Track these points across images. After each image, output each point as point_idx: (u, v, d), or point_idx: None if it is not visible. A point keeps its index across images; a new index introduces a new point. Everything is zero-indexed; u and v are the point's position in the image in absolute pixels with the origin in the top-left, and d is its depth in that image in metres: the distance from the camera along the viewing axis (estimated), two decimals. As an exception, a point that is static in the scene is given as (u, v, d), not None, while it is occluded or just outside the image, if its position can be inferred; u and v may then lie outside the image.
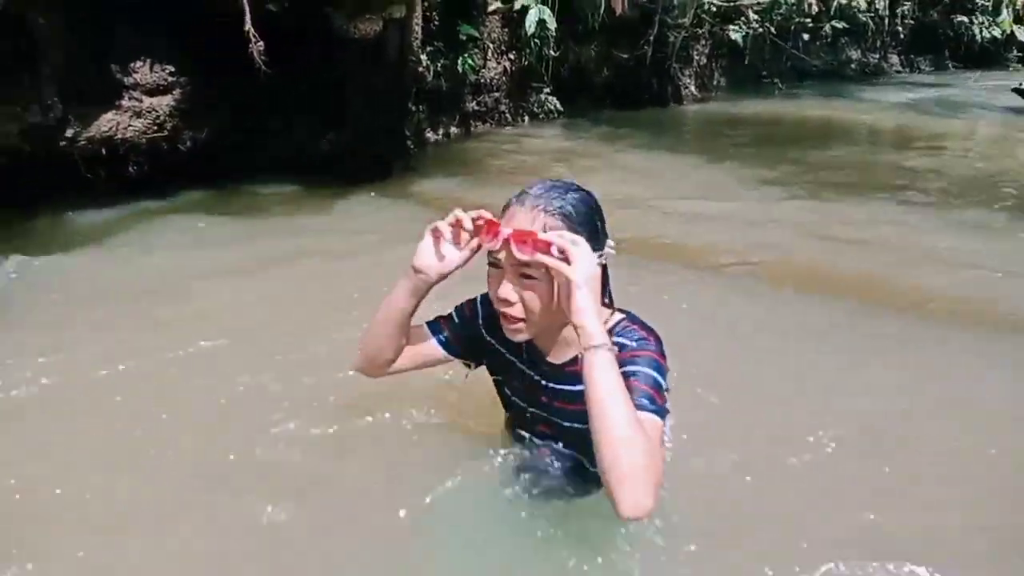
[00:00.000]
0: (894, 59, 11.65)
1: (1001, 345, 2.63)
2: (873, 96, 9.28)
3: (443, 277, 1.44)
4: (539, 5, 6.58)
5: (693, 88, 8.92)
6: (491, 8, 6.62)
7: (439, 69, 6.22)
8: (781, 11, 8.92)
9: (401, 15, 4.54)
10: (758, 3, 8.47)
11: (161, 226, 3.90)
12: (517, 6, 6.61)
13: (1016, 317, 2.85)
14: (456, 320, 1.60)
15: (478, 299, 1.58)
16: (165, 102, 4.19)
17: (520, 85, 7.25)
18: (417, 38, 5.02)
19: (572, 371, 1.40)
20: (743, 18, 8.54)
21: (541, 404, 1.50)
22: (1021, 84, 8.05)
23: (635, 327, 1.39)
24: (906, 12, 11.20)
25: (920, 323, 2.79)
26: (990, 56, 12.01)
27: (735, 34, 8.50)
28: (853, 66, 10.97)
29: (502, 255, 1.31)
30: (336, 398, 2.01)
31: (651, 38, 7.81)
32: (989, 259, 3.47)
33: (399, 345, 1.56)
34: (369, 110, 4.77)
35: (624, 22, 7.72)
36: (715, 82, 9.52)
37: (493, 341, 1.56)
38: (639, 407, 1.23)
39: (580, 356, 1.24)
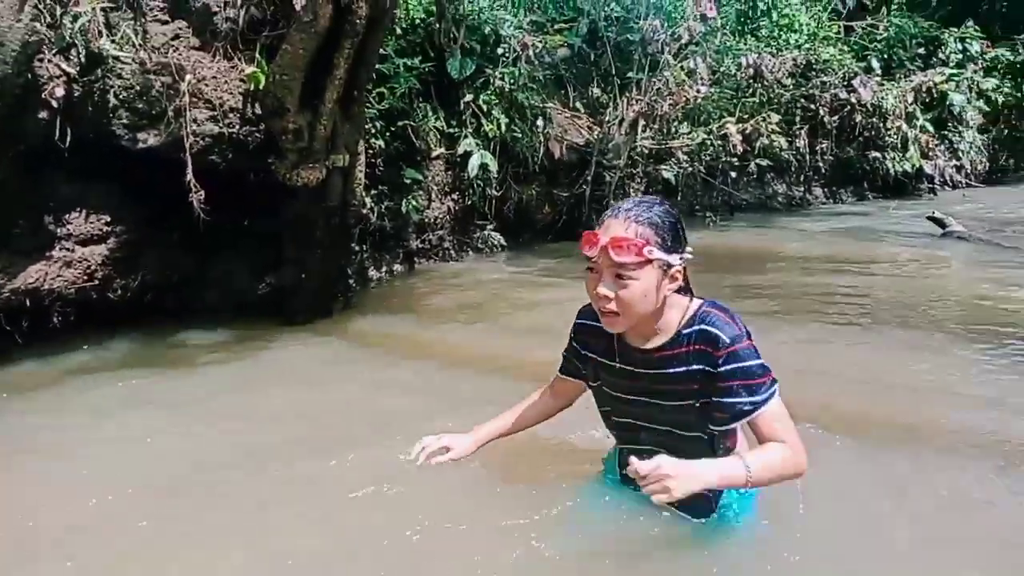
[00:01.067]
0: (818, 191, 12.49)
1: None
2: (801, 226, 9.84)
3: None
4: (481, 151, 6.93)
5: (632, 222, 9.34)
6: (435, 154, 6.93)
7: (383, 211, 6.39)
8: (709, 151, 9.58)
9: (344, 164, 4.69)
10: (687, 144, 9.09)
11: (83, 383, 3.72)
12: (460, 151, 6.94)
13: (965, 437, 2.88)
14: (569, 349, 2.02)
15: (572, 329, 1.98)
16: (98, 251, 4.14)
17: (464, 223, 7.47)
18: (360, 184, 5.17)
19: (664, 355, 1.71)
20: (674, 158, 9.13)
21: (642, 391, 1.77)
22: (934, 212, 8.64)
23: (716, 312, 1.69)
24: (825, 149, 12.16)
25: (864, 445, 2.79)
26: (904, 187, 12.99)
27: (667, 173, 9.04)
28: (780, 199, 11.71)
29: (600, 259, 1.62)
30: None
31: (589, 178, 8.24)
32: (927, 378, 3.56)
33: (548, 412, 2.15)
34: (310, 253, 4.79)
35: (563, 164, 8.16)
36: (653, 216, 10.01)
37: (587, 351, 1.91)
38: (762, 402, 1.63)
39: (675, 338, 1.70)
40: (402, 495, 2.23)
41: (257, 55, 4.52)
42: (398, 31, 6.71)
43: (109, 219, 4.18)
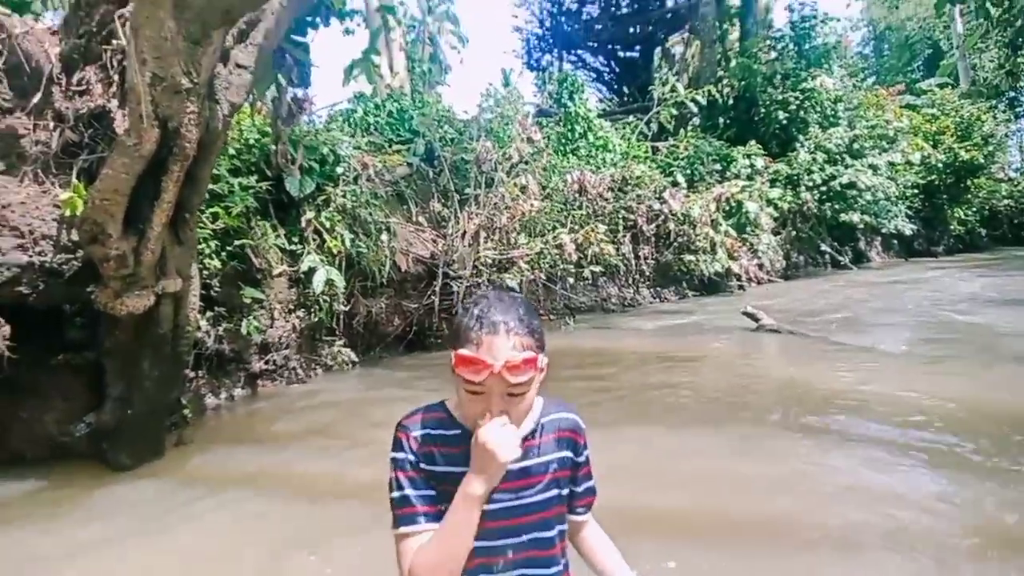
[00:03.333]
0: (645, 292, 13.55)
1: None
2: (633, 325, 10.55)
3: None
4: (326, 267, 6.84)
5: (480, 329, 9.53)
6: (276, 272, 6.74)
7: (221, 332, 6.03)
8: (547, 259, 10.15)
9: (176, 288, 4.41)
10: (527, 254, 9.59)
11: None
12: (304, 268, 6.80)
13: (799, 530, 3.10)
14: (413, 484, 1.59)
15: (407, 430, 1.62)
16: None
17: (311, 340, 7.22)
18: (194, 308, 4.86)
19: (530, 445, 1.63)
20: (516, 267, 9.55)
21: (507, 491, 1.58)
22: (747, 307, 9.61)
23: (554, 398, 1.73)
24: (647, 254, 13.35)
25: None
26: (717, 285, 14.47)
27: (511, 280, 9.42)
28: (613, 300, 12.55)
29: (489, 382, 1.48)
30: None
31: (437, 288, 8.38)
32: (761, 472, 3.83)
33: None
34: (136, 386, 4.37)
35: (410, 276, 8.26)
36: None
37: (440, 468, 1.60)
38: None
39: (536, 429, 1.65)
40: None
41: (74, 179, 4.24)
42: (231, 151, 6.63)
43: None
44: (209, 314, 6.00)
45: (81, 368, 4.39)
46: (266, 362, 6.71)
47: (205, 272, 5.88)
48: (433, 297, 8.42)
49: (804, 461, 3.98)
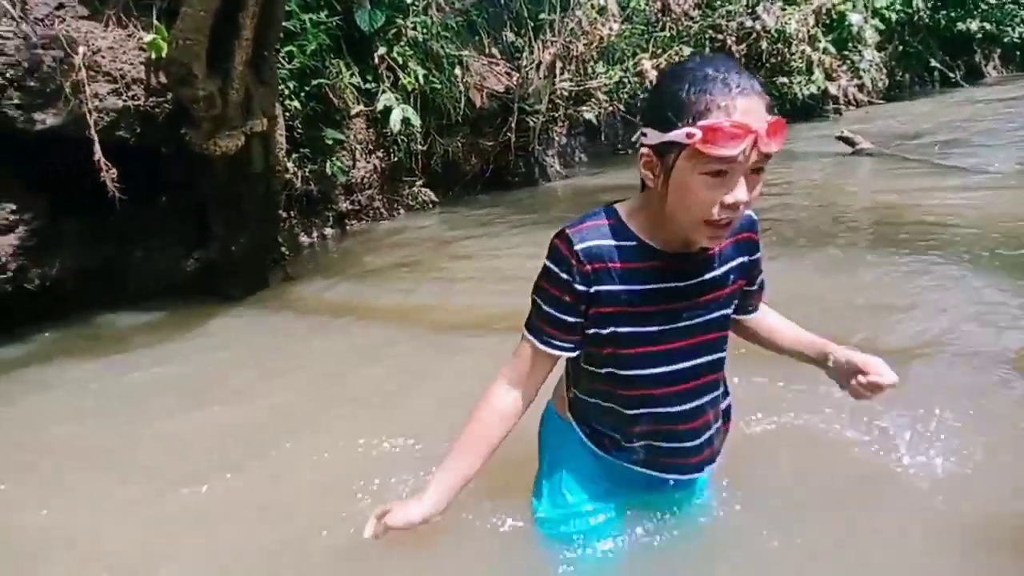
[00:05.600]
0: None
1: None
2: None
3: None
4: (401, 105, 6.78)
5: (558, 166, 9.39)
6: (354, 112, 6.74)
7: (307, 174, 6.21)
8: (626, 89, 9.66)
9: (263, 128, 4.51)
10: (605, 84, 9.14)
11: (8, 381, 3.53)
12: (379, 107, 6.77)
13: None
14: (557, 307, 1.38)
15: (570, 241, 1.34)
16: (7, 242, 3.88)
17: (392, 180, 7.35)
18: (282, 148, 4.99)
19: (709, 256, 1.40)
20: (593, 99, 9.17)
21: (693, 307, 1.39)
22: (843, 132, 9.02)
23: None
24: (734, 79, 12.46)
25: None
26: (812, 110, 13.47)
27: (588, 114, 9.10)
28: (697, 132, 11.99)
29: (747, 159, 1.17)
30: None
31: (512, 125, 8.20)
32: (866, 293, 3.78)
33: (520, 411, 1.51)
34: (237, 225, 4.64)
35: (485, 113, 8.08)
36: (576, 158, 10.08)
37: (608, 288, 1.35)
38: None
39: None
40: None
41: (155, 21, 4.25)
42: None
43: (15, 207, 3.91)
44: (295, 156, 6.15)
45: (185, 209, 4.67)
46: (352, 202, 6.93)
47: (287, 113, 5.95)
48: (509, 134, 8.27)
49: (902, 282, 3.89)
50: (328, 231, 6.68)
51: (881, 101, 14.82)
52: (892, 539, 1.77)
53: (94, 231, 4.32)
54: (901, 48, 16.05)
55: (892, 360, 1.49)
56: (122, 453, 2.67)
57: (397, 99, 6.81)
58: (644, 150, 1.27)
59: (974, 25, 16.25)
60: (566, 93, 8.89)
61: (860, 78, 14.30)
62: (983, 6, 15.92)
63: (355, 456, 2.41)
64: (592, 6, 8.80)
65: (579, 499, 1.60)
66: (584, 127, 9.64)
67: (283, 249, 5.52)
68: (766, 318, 1.66)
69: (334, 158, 6.41)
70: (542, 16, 8.65)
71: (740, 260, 1.45)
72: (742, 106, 1.15)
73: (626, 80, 9.57)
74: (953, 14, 15.84)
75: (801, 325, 1.71)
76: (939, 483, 1.96)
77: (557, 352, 1.45)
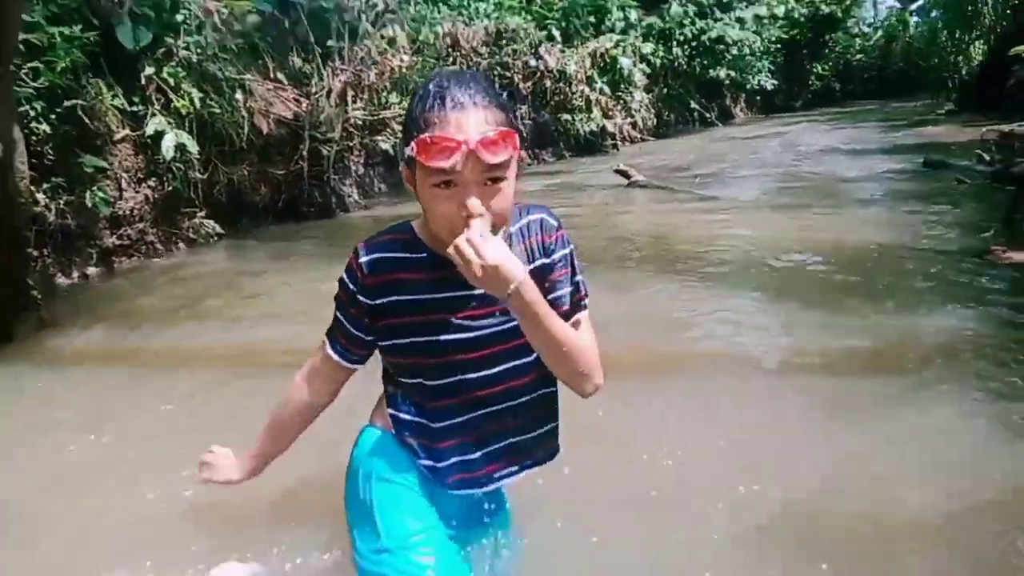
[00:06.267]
0: (523, 153, 13.48)
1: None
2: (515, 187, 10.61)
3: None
4: (175, 130, 6.26)
5: (356, 196, 9.20)
6: (118, 136, 6.09)
7: (63, 206, 5.50)
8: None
9: (3, 153, 3.90)
10: (399, 115, 9.18)
11: None
12: (149, 131, 6.19)
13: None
14: (346, 322, 1.45)
15: (358, 254, 1.39)
16: None
17: (168, 212, 6.72)
18: (24, 177, 4.34)
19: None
20: (389, 129, 9.16)
21: (486, 317, 1.37)
22: (619, 165, 9.88)
23: (534, 202, 1.47)
24: (524, 113, 13.19)
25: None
26: (593, 145, 14.64)
27: (384, 144, 9.06)
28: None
29: (465, 170, 1.19)
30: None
31: (304, 153, 7.92)
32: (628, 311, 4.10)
33: (305, 414, 1.60)
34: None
35: (274, 140, 7.73)
36: (376, 188, 9.97)
37: (388, 299, 1.38)
38: (581, 290, 1.46)
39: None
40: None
41: None
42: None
43: None
44: (46, 185, 5.41)
45: None
46: (119, 237, 6.22)
47: (34, 137, 5.23)
48: (301, 163, 7.97)
49: (672, 298, 4.31)
50: (91, 270, 5.92)
51: (651, 138, 16.52)
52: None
53: None
54: (666, 91, 18.07)
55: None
56: None
57: (170, 123, 6.28)
58: (402, 165, 1.33)
59: (723, 73, 18.84)
60: (360, 122, 8.80)
61: (632, 116, 15.84)
62: (728, 57, 18.51)
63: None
64: (382, 36, 8.84)
65: (409, 525, 1.43)
66: (382, 157, 9.58)
67: (34, 292, 4.78)
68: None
69: (95, 188, 5.73)
70: (330, 43, 8.51)
71: (536, 263, 1.40)
72: (454, 119, 1.20)
73: (420, 111, 9.68)
74: (706, 62, 18.21)
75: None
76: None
77: (345, 363, 1.50)
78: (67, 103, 5.57)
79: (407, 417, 1.47)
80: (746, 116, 24.08)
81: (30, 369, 3.83)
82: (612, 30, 15.73)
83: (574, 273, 1.46)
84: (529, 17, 14.12)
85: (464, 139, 1.18)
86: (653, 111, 17.35)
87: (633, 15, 16.48)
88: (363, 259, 1.37)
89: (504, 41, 12.47)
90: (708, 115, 20.02)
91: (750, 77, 20.95)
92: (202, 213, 6.95)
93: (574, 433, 1.65)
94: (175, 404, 3.18)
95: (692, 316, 3.96)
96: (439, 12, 11.57)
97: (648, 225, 7.01)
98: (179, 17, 6.64)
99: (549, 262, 1.42)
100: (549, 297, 1.37)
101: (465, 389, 1.41)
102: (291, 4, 8.33)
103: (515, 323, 1.34)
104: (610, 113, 14.84)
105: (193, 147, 6.33)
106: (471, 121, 1.21)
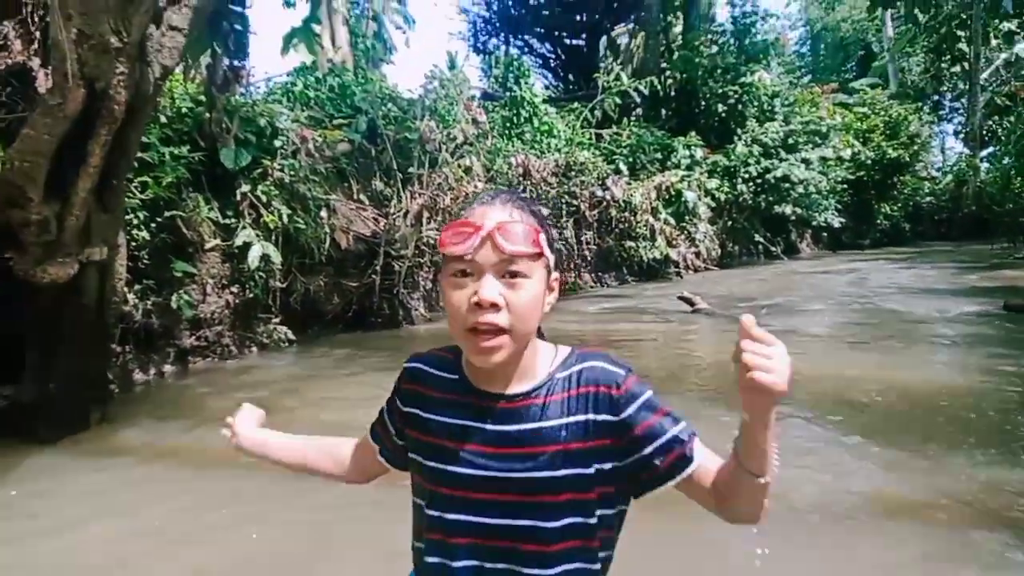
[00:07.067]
0: (587, 277, 13.75)
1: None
2: (575, 308, 10.71)
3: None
4: (262, 242, 6.68)
5: (422, 309, 9.48)
6: (209, 245, 6.54)
7: (150, 307, 5.84)
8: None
9: (102, 257, 4.25)
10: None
11: None
12: (238, 242, 6.63)
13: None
14: (386, 409, 1.41)
15: (408, 360, 1.38)
16: None
17: (246, 317, 7.05)
18: (121, 279, 4.70)
19: (534, 403, 1.22)
20: (458, 248, 9.51)
21: (503, 459, 1.20)
22: (684, 293, 9.89)
23: (595, 351, 1.28)
24: (589, 239, 13.54)
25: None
26: (656, 271, 14.79)
27: (453, 262, 9.39)
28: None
29: (480, 256, 1.14)
30: None
31: (378, 268, 8.29)
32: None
33: (333, 464, 1.53)
34: (60, 357, 4.20)
35: (350, 254, 8.14)
36: (441, 303, 10.24)
37: (415, 409, 1.31)
38: (690, 431, 1.22)
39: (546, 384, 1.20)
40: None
41: (-8, 138, 4.02)
42: (163, 119, 6.38)
43: None
44: (137, 287, 5.80)
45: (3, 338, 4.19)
46: (197, 338, 6.53)
47: (133, 244, 5.68)
48: (374, 276, 8.33)
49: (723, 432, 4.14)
50: (167, 367, 6.19)
51: (715, 267, 16.57)
52: None
53: None
54: (730, 223, 18.30)
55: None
56: None
57: (258, 235, 6.72)
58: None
59: (788, 209, 19.03)
60: (432, 241, 9.19)
61: (696, 246, 16.01)
62: (794, 194, 18.77)
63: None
64: (459, 165, 9.39)
65: None
66: (448, 275, 9.90)
67: (112, 386, 5.02)
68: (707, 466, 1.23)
69: (182, 291, 6.10)
70: (411, 170, 9.10)
71: (582, 418, 1.20)
72: (479, 211, 1.20)
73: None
74: (771, 198, 18.48)
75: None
76: None
77: (376, 446, 1.44)
78: (167, 213, 6.07)
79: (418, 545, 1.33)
80: (812, 251, 23.96)
81: (96, 459, 3.96)
82: (678, 166, 16.28)
83: (672, 415, 1.22)
84: (598, 152, 14.83)
85: (481, 223, 1.16)
86: (717, 242, 17.51)
87: (699, 153, 17.07)
88: (407, 365, 1.38)
89: (573, 173, 13.04)
90: (773, 248, 20.04)
91: (816, 214, 21.05)
92: (277, 319, 7.26)
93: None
94: (221, 506, 3.19)
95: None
96: (513, 146, 12.28)
97: (713, 353, 6.88)
98: (277, 143, 7.28)
99: (616, 420, 1.19)
100: (653, 447, 1.19)
101: (461, 530, 1.23)
102: (378, 135, 9.04)
103: (548, 474, 1.18)
104: (674, 242, 15.05)
105: (277, 258, 6.72)
106: (494, 212, 1.19)
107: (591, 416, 1.20)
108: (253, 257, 6.54)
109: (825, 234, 24.60)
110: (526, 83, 15.41)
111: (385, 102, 9.86)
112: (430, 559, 1.27)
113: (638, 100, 17.86)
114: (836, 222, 22.09)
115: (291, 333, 7.39)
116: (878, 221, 27.60)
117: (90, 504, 3.33)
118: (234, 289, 6.83)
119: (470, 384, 1.26)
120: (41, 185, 3.74)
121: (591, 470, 1.19)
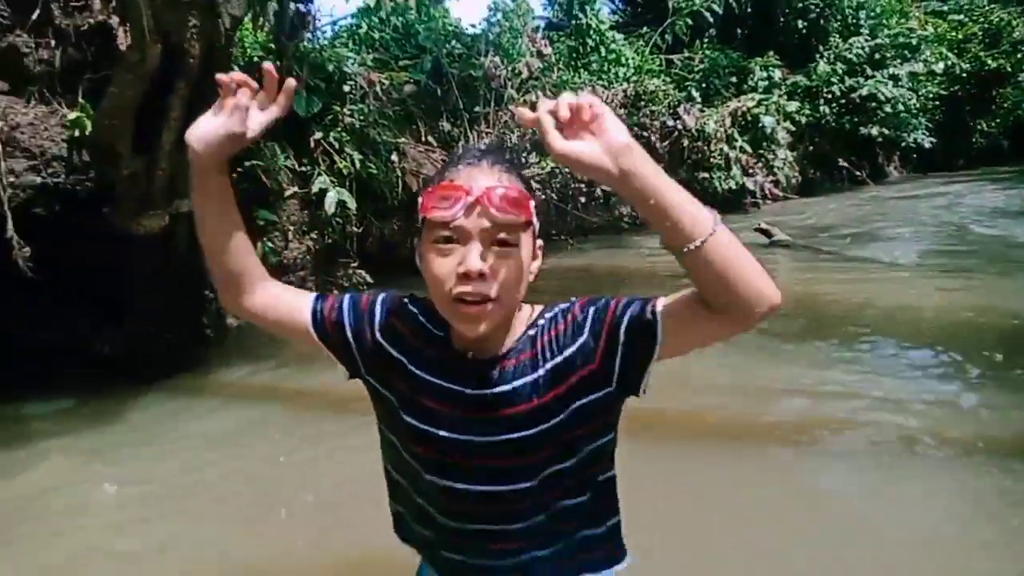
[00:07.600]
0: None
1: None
2: (646, 243, 10.51)
3: (223, 151, 1.12)
4: (337, 188, 6.82)
5: (493, 250, 9.54)
6: (288, 193, 6.72)
7: (236, 255, 6.08)
8: (558, 179, 10.03)
9: (190, 208, 4.42)
10: (538, 174, 9.47)
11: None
12: (315, 189, 6.78)
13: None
14: (345, 306, 1.26)
15: (378, 299, 1.27)
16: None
17: (326, 262, 7.28)
18: (209, 228, 4.90)
19: (504, 367, 1.18)
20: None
21: (480, 423, 1.17)
22: (761, 224, 9.55)
23: (560, 301, 1.22)
24: (661, 172, 13.18)
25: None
26: (731, 203, 14.27)
27: (522, 199, 9.34)
28: (626, 220, 12.46)
29: (468, 222, 1.06)
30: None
31: (447, 209, 8.34)
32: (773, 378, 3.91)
33: (240, 259, 1.22)
34: (158, 303, 4.47)
35: (420, 197, 8.21)
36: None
37: (396, 353, 1.23)
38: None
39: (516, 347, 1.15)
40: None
41: (80, 98, 4.20)
42: (235, 69, 6.48)
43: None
44: (223, 236, 6.04)
45: (99, 281, 4.47)
46: (284, 283, 6.78)
47: (217, 194, 5.88)
48: (445, 218, 8.40)
49: (812, 369, 4.05)
50: (256, 313, 6.49)
51: (795, 196, 15.86)
52: None
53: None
54: (811, 148, 17.38)
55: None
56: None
57: (332, 182, 6.85)
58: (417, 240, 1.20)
59: (875, 130, 17.86)
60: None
61: (775, 175, 15.32)
62: (881, 114, 17.57)
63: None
64: (525, 101, 9.22)
65: None
66: (518, 214, 9.88)
67: (207, 331, 5.32)
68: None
69: (266, 239, 6.33)
70: (477, 109, 9.00)
71: (552, 363, 1.18)
72: (464, 172, 1.11)
73: (558, 170, 9.95)
74: (856, 120, 17.39)
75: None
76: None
77: (306, 309, 1.27)
78: (247, 163, 6.24)
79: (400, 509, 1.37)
80: (901, 175, 22.56)
81: (197, 399, 4.26)
82: (754, 89, 15.47)
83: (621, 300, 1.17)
84: (668, 79, 14.22)
85: (469, 187, 1.08)
86: (798, 169, 16.70)
87: (777, 74, 16.15)
88: (400, 304, 1.27)
89: (643, 102, 12.59)
90: (859, 173, 18.94)
91: (905, 135, 19.68)
92: (355, 264, 7.46)
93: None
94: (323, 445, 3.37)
95: (843, 389, 3.69)
96: (580, 77, 11.93)
97: (791, 287, 6.65)
98: (346, 88, 7.31)
99: (585, 338, 1.16)
100: (625, 325, 1.13)
101: (439, 495, 1.23)
102: (443, 74, 8.94)
103: (518, 435, 1.16)
104: (751, 171, 14.45)
105: (352, 204, 6.85)
106: (482, 176, 1.10)
107: (561, 356, 1.17)
108: (330, 203, 6.69)
109: (915, 156, 23.05)
110: (592, 9, 14.80)
111: (449, 39, 9.72)
112: (410, 518, 1.32)
113: (711, 20, 16.89)
114: (927, 142, 20.63)
115: (369, 276, 7.59)
116: (974, 139, 25.62)
117: (200, 436, 3.59)
118: (313, 235, 7.04)
119: (453, 346, 1.22)
120: (129, 141, 3.90)
121: (571, 414, 1.16)
